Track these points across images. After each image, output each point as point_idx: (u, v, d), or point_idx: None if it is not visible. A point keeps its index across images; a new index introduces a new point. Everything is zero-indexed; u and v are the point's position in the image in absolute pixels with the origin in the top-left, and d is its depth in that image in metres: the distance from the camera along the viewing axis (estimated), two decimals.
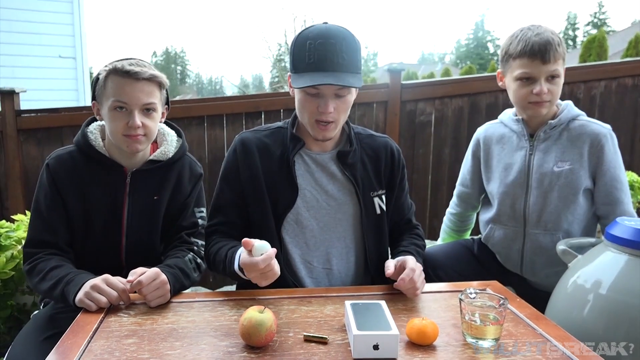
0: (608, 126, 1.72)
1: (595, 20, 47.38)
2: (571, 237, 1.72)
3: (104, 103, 1.48)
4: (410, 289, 1.30)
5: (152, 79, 1.47)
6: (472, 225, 2.18)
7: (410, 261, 1.34)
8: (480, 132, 1.94)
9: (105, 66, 1.47)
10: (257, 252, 1.22)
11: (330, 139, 1.48)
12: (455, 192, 2.10)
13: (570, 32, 50.21)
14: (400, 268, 1.34)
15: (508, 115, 1.85)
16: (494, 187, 1.87)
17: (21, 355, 1.33)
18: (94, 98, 1.54)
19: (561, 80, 1.68)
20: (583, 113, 1.77)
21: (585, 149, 1.70)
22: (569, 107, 1.76)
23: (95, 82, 1.52)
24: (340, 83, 1.34)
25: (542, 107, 1.69)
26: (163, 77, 1.51)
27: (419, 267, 1.35)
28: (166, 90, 1.57)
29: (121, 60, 1.48)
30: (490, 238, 1.90)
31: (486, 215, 1.94)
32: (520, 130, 1.79)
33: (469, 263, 1.94)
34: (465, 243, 2.04)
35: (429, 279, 1.79)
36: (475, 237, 2.05)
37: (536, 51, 1.62)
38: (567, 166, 1.71)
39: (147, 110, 1.48)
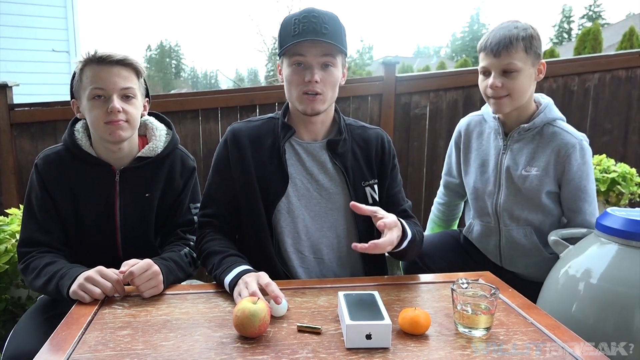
0: (581, 135, 1.71)
1: (590, 13, 47.39)
2: (543, 233, 1.75)
3: (82, 96, 1.47)
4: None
5: (125, 62, 1.46)
6: (459, 215, 2.19)
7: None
8: (463, 123, 1.95)
9: (79, 60, 1.46)
10: (276, 309, 1.17)
11: (319, 113, 1.48)
12: (442, 182, 2.12)
13: (566, 25, 50.23)
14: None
15: (488, 109, 1.85)
16: (469, 182, 1.89)
17: (25, 330, 1.38)
18: (72, 96, 1.53)
19: (522, 75, 1.63)
20: (561, 117, 1.75)
21: (552, 157, 1.70)
22: (546, 110, 1.73)
23: (72, 80, 1.51)
24: (322, 39, 1.38)
25: (501, 101, 1.67)
26: (138, 63, 1.50)
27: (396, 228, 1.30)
28: (145, 81, 1.56)
29: (92, 50, 1.46)
30: (470, 233, 1.94)
31: (468, 210, 1.98)
32: (496, 128, 1.80)
33: (456, 252, 1.96)
34: (452, 233, 2.06)
35: (417, 268, 1.81)
36: (463, 228, 2.07)
37: (488, 45, 1.65)
38: (534, 172, 1.72)
39: (126, 96, 1.46)
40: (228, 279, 1.30)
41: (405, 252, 1.42)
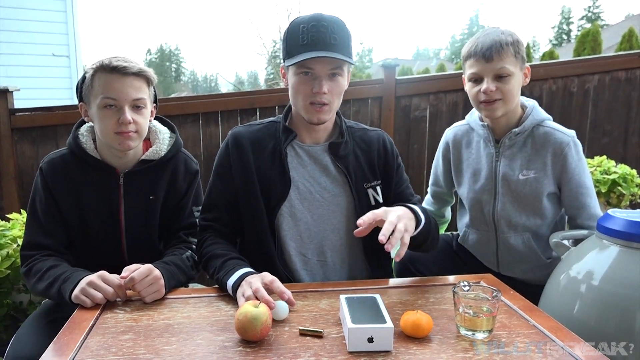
0: (572, 133, 1.72)
1: (590, 14, 47.51)
2: (540, 237, 1.75)
3: (92, 102, 1.47)
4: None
5: (140, 74, 1.46)
6: (448, 220, 2.19)
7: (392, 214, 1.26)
8: (449, 135, 1.93)
9: (91, 65, 1.46)
10: (278, 313, 1.17)
11: (324, 122, 1.48)
12: (429, 192, 2.11)
13: (565, 27, 50.36)
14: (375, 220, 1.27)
15: (474, 117, 1.84)
16: (464, 192, 1.88)
17: (27, 334, 1.38)
18: (80, 99, 1.53)
19: (513, 79, 1.64)
20: (549, 117, 1.76)
21: (548, 157, 1.70)
22: (533, 112, 1.73)
23: (81, 83, 1.50)
24: (332, 56, 1.37)
25: (493, 106, 1.67)
26: (151, 72, 1.50)
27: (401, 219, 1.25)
28: (154, 88, 1.56)
29: (107, 58, 1.46)
30: (466, 241, 1.92)
31: (461, 218, 1.96)
32: (486, 135, 1.78)
33: (449, 257, 1.95)
34: (444, 237, 2.05)
35: (409, 272, 1.80)
36: (455, 232, 2.06)
37: (478, 50, 1.64)
38: (532, 175, 1.71)
39: (137, 106, 1.47)
40: (231, 281, 1.30)
41: (422, 237, 1.39)
